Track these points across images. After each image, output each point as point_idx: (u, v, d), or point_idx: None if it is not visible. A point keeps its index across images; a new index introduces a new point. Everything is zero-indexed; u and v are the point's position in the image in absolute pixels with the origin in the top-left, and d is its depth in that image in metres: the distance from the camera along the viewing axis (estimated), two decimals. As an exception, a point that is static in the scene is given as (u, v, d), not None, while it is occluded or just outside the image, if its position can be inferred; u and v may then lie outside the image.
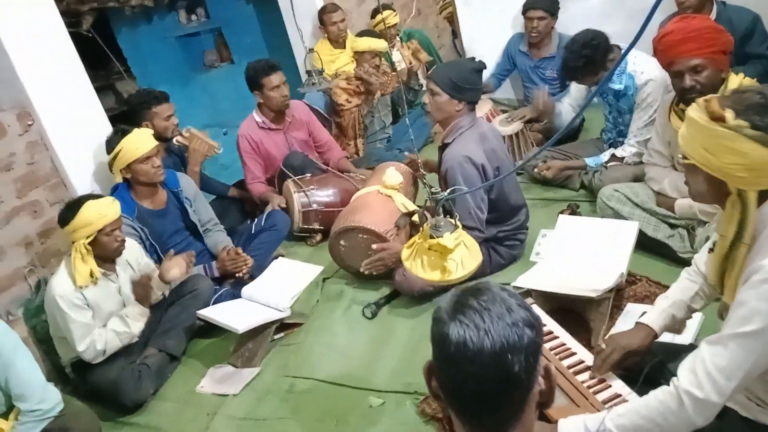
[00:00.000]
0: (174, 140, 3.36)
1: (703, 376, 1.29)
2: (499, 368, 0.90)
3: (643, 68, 2.95)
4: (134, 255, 2.61)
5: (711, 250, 1.54)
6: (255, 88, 3.54)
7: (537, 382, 0.96)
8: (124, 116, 3.46)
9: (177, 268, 2.60)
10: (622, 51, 2.98)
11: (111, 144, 2.77)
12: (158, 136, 3.13)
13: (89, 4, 4.89)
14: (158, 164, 2.81)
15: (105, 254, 2.44)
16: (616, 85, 3.03)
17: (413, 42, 4.52)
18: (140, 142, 2.76)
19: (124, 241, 2.47)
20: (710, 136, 1.31)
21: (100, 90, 5.54)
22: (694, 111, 1.36)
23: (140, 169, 2.77)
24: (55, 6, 2.84)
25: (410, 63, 4.37)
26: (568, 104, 3.50)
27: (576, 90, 3.45)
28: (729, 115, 1.27)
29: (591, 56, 2.98)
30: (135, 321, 2.50)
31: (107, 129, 2.98)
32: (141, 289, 2.57)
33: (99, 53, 5.17)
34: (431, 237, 1.63)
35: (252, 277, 2.93)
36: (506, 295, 0.96)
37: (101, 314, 2.43)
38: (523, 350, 0.91)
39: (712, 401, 1.28)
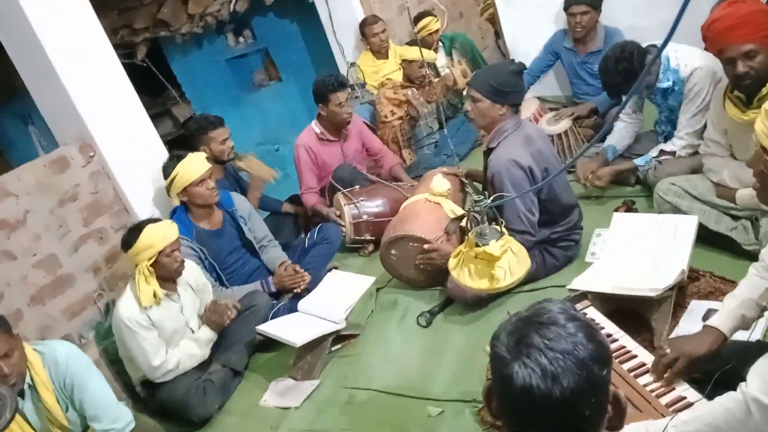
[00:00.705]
0: (236, 166, 3.50)
1: None
2: (568, 414, 0.87)
3: (686, 60, 2.84)
4: (193, 275, 2.71)
5: None
6: (320, 101, 3.62)
7: (606, 411, 0.92)
8: (182, 140, 3.60)
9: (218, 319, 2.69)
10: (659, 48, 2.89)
11: (167, 169, 2.89)
12: (215, 159, 3.27)
13: (143, 35, 5.13)
14: (212, 186, 2.92)
15: (166, 275, 2.55)
16: (665, 84, 2.91)
17: (462, 62, 4.48)
18: (195, 166, 2.87)
19: (183, 261, 2.57)
20: None
21: (157, 116, 5.82)
22: None
23: (196, 192, 2.88)
24: (109, 42, 2.99)
25: (455, 83, 4.32)
26: (623, 119, 3.38)
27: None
28: None
29: (629, 68, 2.84)
30: (206, 346, 2.62)
31: (164, 155, 3.11)
32: (215, 315, 2.66)
33: (155, 81, 5.40)
34: (477, 245, 1.62)
35: (308, 290, 2.99)
36: (573, 327, 0.89)
37: (165, 333, 2.54)
38: (593, 393, 0.87)
39: None
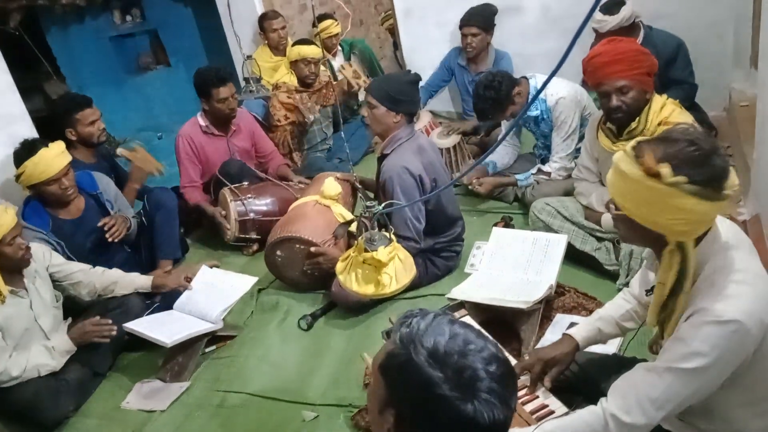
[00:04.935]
0: (118, 152, 3.27)
1: (633, 402, 1.32)
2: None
3: (551, 90, 3.07)
4: (42, 262, 2.49)
5: (648, 292, 1.52)
6: (202, 96, 3.46)
7: None
8: (51, 119, 3.31)
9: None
10: (530, 81, 3.11)
11: (17, 160, 2.62)
12: (83, 142, 3.04)
13: (18, 2, 4.66)
14: (67, 185, 2.67)
15: (11, 266, 2.31)
16: (533, 112, 3.17)
17: (352, 65, 4.50)
18: (46, 165, 2.60)
19: (28, 248, 2.35)
20: (647, 191, 1.23)
21: (27, 90, 5.32)
22: (625, 163, 1.25)
23: (47, 191, 2.64)
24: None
25: (349, 85, 4.33)
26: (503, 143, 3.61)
27: (505, 126, 3.57)
28: (666, 170, 1.19)
29: (495, 97, 3.08)
30: (60, 356, 2.37)
31: (32, 132, 2.84)
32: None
33: (27, 53, 4.94)
34: (366, 251, 1.63)
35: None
36: (482, 341, 0.91)
37: (14, 334, 2.30)
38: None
39: (638, 426, 1.31)
